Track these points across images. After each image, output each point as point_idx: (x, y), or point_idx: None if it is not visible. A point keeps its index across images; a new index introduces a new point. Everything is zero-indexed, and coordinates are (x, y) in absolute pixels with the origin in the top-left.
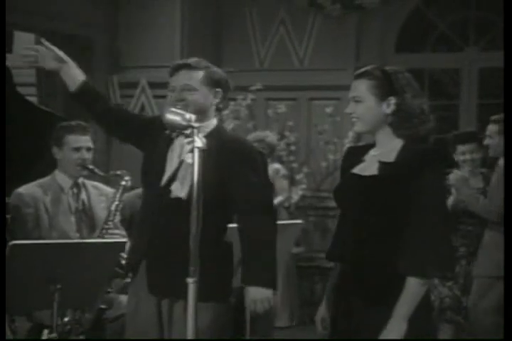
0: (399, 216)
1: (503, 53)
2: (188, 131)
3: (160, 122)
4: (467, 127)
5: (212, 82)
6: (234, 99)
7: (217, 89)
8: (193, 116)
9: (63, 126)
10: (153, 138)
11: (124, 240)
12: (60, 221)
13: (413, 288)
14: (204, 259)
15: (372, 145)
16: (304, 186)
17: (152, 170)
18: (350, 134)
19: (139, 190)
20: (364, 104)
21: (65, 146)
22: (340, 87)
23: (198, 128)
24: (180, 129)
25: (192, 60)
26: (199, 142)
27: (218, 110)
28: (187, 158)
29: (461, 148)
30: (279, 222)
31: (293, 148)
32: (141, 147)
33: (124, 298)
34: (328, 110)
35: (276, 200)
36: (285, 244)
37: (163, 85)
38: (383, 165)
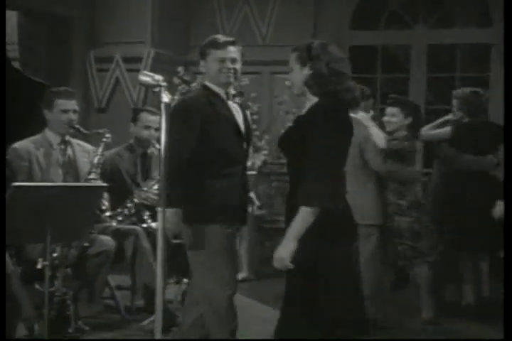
0: (303, 156)
1: (450, 30)
2: (157, 89)
3: None
4: (417, 98)
5: None
6: (201, 73)
7: None
8: (160, 77)
9: (53, 91)
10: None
11: (104, 184)
12: (49, 172)
13: (301, 214)
14: None
15: None
16: (265, 152)
17: None
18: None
19: (118, 149)
20: (293, 72)
21: (54, 109)
22: None
23: (164, 86)
24: (150, 87)
25: (233, 38)
26: (165, 98)
27: None
28: None
29: (387, 110)
30: None
31: (255, 117)
32: None
33: (104, 238)
34: (288, 83)
35: None
36: None
37: (136, 60)
38: (297, 117)
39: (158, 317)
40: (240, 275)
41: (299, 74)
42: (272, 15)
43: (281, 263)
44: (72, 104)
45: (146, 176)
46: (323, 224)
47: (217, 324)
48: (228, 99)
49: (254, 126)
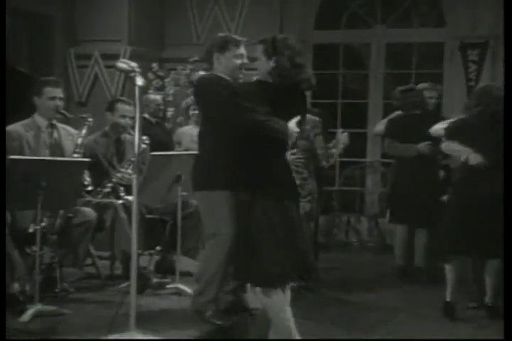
0: None
1: (406, 30)
2: (132, 74)
3: None
4: (376, 93)
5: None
6: (174, 69)
7: None
8: (135, 64)
9: (42, 80)
10: None
11: (85, 160)
12: (38, 152)
13: None
14: None
15: None
16: None
17: None
18: None
19: (95, 135)
20: (260, 62)
21: (43, 96)
22: None
23: (138, 71)
24: (126, 72)
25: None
26: (139, 81)
27: None
28: None
29: None
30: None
31: None
32: None
33: (86, 210)
34: (256, 78)
35: None
36: None
37: (113, 57)
38: None
39: (133, 279)
40: None
41: (265, 64)
42: (241, 15)
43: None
44: (58, 92)
45: (121, 159)
46: None
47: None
48: None
49: None
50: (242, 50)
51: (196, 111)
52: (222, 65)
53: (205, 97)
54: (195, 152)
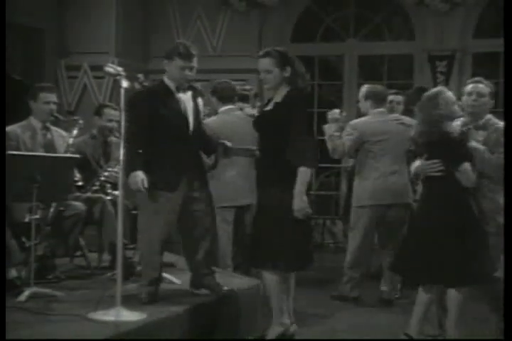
0: (285, 130)
1: (378, 43)
2: (117, 77)
3: None
4: (350, 102)
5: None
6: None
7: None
8: (121, 68)
9: (38, 86)
10: None
11: (76, 156)
12: (34, 151)
13: (301, 174)
14: None
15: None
16: None
17: None
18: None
19: (84, 137)
20: (272, 74)
21: (38, 100)
22: (247, 70)
23: (124, 75)
24: (112, 76)
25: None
26: (124, 84)
27: None
28: None
29: None
30: None
31: (207, 118)
32: None
33: (76, 203)
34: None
35: None
36: None
37: (101, 68)
38: (275, 103)
39: (118, 262)
40: None
41: (279, 74)
42: (222, 29)
43: (304, 212)
44: (53, 97)
45: (108, 159)
46: None
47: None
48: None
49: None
50: (193, 63)
51: None
52: (169, 73)
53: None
54: None
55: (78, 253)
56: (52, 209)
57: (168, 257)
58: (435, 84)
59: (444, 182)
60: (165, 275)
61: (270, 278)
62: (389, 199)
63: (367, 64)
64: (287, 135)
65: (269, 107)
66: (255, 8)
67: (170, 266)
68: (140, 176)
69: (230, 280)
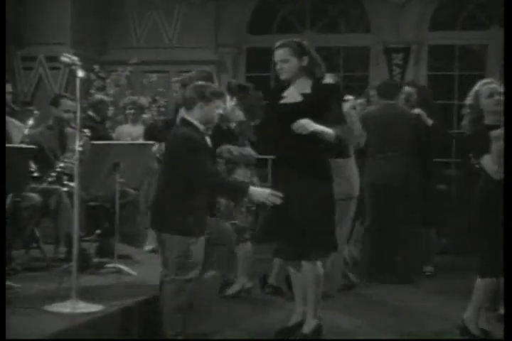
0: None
1: (334, 35)
2: (73, 67)
3: None
4: None
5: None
6: (115, 71)
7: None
8: (76, 58)
9: None
10: None
11: (32, 146)
12: None
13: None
14: None
15: (284, 87)
16: None
17: None
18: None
19: (40, 128)
20: (290, 63)
21: None
22: (203, 62)
23: (79, 65)
24: (68, 66)
25: None
26: (80, 73)
27: None
28: None
29: None
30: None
31: (162, 109)
32: None
33: (32, 195)
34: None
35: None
36: None
37: (57, 59)
38: (304, 95)
39: (74, 253)
40: (149, 247)
41: (297, 64)
42: (178, 20)
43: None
44: (8, 87)
45: (64, 150)
46: None
47: None
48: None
49: (161, 117)
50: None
51: (132, 111)
52: (203, 113)
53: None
54: (132, 142)
55: (34, 245)
56: (8, 201)
57: (125, 249)
58: (391, 77)
59: None
60: (122, 267)
61: (313, 268)
62: None
63: (323, 56)
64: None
65: (294, 99)
66: (211, 0)
67: (126, 258)
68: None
69: None
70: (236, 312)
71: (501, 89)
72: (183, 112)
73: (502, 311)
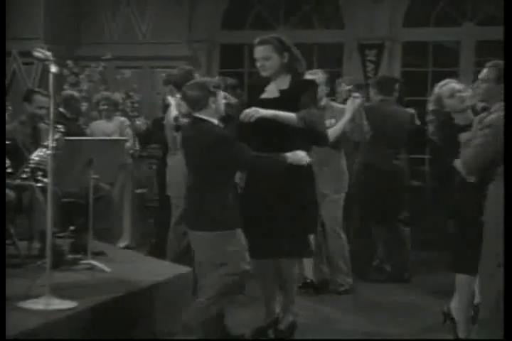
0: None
1: (308, 31)
2: (46, 62)
3: None
4: None
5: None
6: (88, 66)
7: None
8: (49, 53)
9: None
10: None
11: (6, 142)
12: None
13: None
14: None
15: (266, 82)
16: None
17: None
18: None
19: (13, 124)
20: (272, 60)
21: None
22: (177, 58)
23: (52, 60)
24: (41, 61)
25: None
26: (53, 69)
27: None
28: None
29: None
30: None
31: (136, 105)
32: None
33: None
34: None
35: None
36: None
37: (30, 54)
38: (281, 90)
39: (48, 249)
40: (124, 243)
41: (278, 60)
42: (151, 15)
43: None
44: None
45: (37, 146)
46: None
47: None
48: None
49: (136, 113)
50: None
51: (106, 107)
52: (215, 108)
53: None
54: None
55: (8, 241)
56: None
57: (100, 246)
58: (365, 73)
59: None
60: (96, 263)
61: (293, 264)
62: None
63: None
64: None
65: (272, 95)
66: None
67: (101, 255)
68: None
69: (162, 269)
70: None
71: (460, 87)
72: (174, 111)
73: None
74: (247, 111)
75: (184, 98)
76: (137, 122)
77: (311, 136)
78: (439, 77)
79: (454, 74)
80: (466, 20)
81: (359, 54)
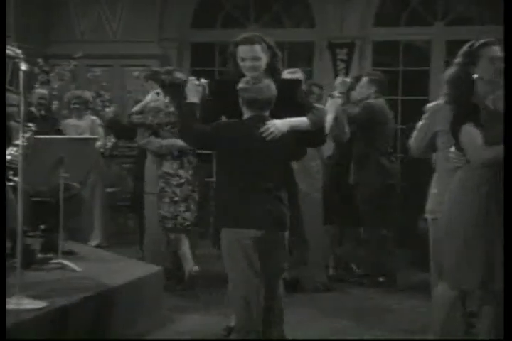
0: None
1: (278, 30)
2: (17, 60)
3: None
4: None
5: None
6: (59, 65)
7: None
8: (20, 51)
9: None
10: None
11: None
12: None
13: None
14: None
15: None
16: None
17: None
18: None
19: None
20: (261, 60)
21: None
22: (148, 56)
23: (23, 58)
24: (11, 59)
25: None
26: (23, 66)
27: None
28: None
29: None
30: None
31: (107, 103)
32: None
33: None
34: (136, 74)
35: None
36: None
37: None
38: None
39: (19, 249)
40: (95, 242)
41: (266, 61)
42: (122, 14)
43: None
44: None
45: (8, 144)
46: None
47: None
48: None
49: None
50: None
51: (77, 106)
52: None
53: None
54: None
55: None
56: None
57: (70, 245)
58: (335, 72)
59: None
60: (66, 262)
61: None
62: None
63: None
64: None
65: None
66: None
67: (71, 254)
68: None
69: (133, 268)
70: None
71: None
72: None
73: None
74: (268, 128)
75: None
76: (106, 110)
77: (316, 138)
78: (409, 77)
79: (424, 74)
80: (437, 20)
81: (330, 53)
